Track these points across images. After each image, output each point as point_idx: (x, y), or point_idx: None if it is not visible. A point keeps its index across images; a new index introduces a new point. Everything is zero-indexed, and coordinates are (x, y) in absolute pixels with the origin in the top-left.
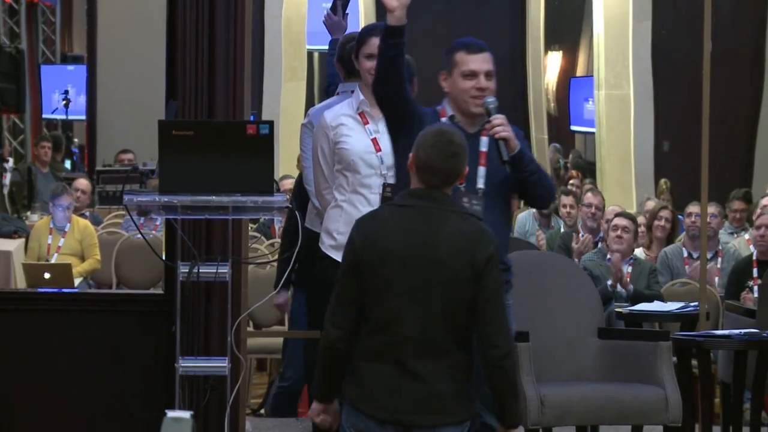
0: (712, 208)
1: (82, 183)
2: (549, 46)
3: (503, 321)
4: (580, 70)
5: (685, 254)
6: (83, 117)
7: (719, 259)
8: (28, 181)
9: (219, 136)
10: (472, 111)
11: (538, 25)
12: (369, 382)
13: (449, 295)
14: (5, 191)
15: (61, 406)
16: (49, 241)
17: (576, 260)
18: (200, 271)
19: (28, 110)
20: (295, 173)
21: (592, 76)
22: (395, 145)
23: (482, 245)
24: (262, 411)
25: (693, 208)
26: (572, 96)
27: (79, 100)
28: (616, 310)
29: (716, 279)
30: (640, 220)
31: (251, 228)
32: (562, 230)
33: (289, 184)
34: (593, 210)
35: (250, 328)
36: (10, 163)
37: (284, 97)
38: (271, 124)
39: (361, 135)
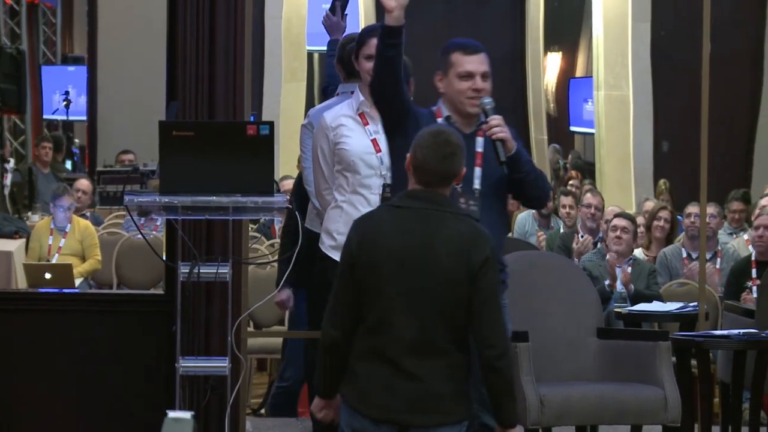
0: (711, 209)
1: (83, 183)
2: (548, 46)
3: (499, 322)
4: (579, 71)
5: (684, 255)
6: (84, 118)
7: (718, 260)
8: (29, 181)
9: (219, 137)
10: (468, 111)
11: (537, 26)
12: (365, 382)
13: (447, 296)
14: (6, 192)
15: (61, 406)
16: (50, 242)
17: (575, 261)
18: (201, 271)
19: (29, 111)
20: (295, 174)
21: (591, 76)
22: (391, 145)
23: (478, 247)
24: (263, 411)
25: (692, 208)
26: (572, 97)
27: (80, 101)
28: (616, 310)
29: (716, 279)
30: (640, 220)
31: (251, 228)
32: (561, 231)
33: (289, 184)
34: (593, 210)
35: (251, 328)
36: (11, 163)
37: (284, 98)
38: (271, 124)
39: (361, 136)
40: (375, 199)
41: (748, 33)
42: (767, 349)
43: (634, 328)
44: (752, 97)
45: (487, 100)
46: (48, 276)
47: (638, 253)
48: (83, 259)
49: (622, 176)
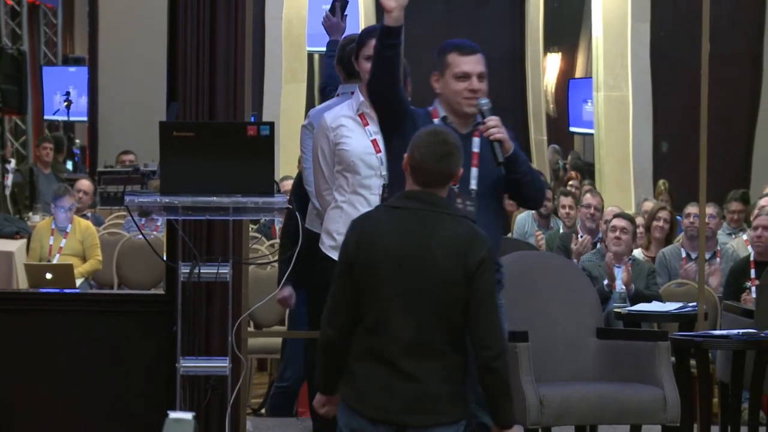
0: (710, 209)
1: (84, 184)
2: (548, 47)
3: (496, 322)
4: (579, 72)
5: (684, 255)
6: (85, 118)
7: (718, 260)
8: (30, 182)
9: (220, 138)
10: (465, 112)
11: (537, 27)
12: (363, 382)
13: (444, 297)
14: (7, 192)
15: (62, 406)
16: (51, 242)
17: (575, 261)
18: (201, 271)
19: (30, 111)
20: (295, 174)
21: (591, 77)
22: (388, 145)
23: (475, 248)
24: (263, 411)
25: (691, 208)
26: (571, 97)
27: (81, 102)
28: (615, 310)
29: (715, 279)
30: (639, 220)
31: (252, 229)
32: (561, 231)
33: (289, 185)
34: (592, 211)
35: (251, 329)
36: (12, 164)
37: (284, 99)
38: (271, 125)
39: (361, 136)
40: (375, 200)
41: (747, 33)
42: (766, 349)
43: (633, 328)
44: (752, 97)
45: (484, 101)
46: (49, 276)
47: (637, 253)
48: (84, 259)
49: (622, 177)
